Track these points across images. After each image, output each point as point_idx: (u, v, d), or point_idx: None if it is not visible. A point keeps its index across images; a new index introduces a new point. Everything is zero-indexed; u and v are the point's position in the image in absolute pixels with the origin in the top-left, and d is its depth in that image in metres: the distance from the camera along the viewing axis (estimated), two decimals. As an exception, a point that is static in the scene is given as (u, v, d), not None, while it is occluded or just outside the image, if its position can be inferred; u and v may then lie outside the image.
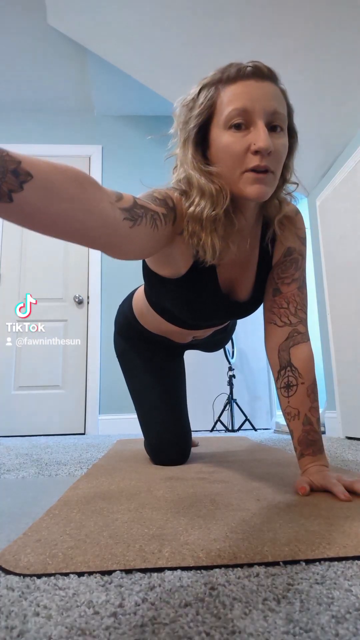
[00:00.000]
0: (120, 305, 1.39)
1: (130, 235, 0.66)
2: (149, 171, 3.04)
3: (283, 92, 0.78)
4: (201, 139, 0.79)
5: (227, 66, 0.76)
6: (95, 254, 3.16)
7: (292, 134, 0.81)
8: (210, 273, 0.89)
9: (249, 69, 0.74)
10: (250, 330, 3.05)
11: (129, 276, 2.85)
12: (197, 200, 0.78)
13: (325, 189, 2.45)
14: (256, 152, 0.72)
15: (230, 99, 0.74)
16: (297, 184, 0.88)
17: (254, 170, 0.74)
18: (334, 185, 2.35)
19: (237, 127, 0.74)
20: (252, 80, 0.74)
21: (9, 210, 0.49)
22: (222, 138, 0.76)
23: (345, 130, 2.23)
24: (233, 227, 0.82)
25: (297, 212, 0.94)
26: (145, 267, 0.96)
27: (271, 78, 0.76)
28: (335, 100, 2.14)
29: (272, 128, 0.75)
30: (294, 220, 0.92)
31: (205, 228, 0.78)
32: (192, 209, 0.78)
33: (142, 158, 3.28)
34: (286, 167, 0.82)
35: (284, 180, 0.84)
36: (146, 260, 0.94)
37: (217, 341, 1.50)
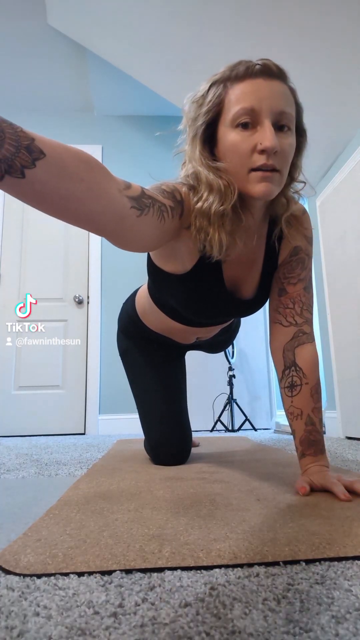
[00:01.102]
0: (124, 304, 1.39)
1: (136, 224, 0.66)
2: (149, 171, 3.04)
3: (292, 91, 0.78)
4: (209, 136, 0.80)
5: (236, 64, 0.76)
6: (96, 254, 3.16)
7: (300, 132, 0.81)
8: (215, 270, 0.89)
9: (257, 67, 0.74)
10: (250, 330, 3.05)
11: (129, 276, 2.86)
12: (205, 195, 0.78)
13: (325, 189, 2.45)
14: (262, 152, 0.72)
15: (238, 98, 0.74)
16: (305, 183, 0.87)
17: (260, 169, 0.74)
18: (334, 185, 2.35)
19: (244, 126, 0.74)
20: (261, 79, 0.74)
21: (20, 187, 0.50)
22: (229, 136, 0.76)
23: (345, 130, 2.23)
24: (240, 222, 0.82)
25: (304, 212, 0.94)
26: (150, 263, 0.96)
27: (280, 77, 0.75)
28: (335, 101, 2.14)
29: (279, 127, 0.74)
30: (300, 220, 0.92)
31: (212, 223, 0.78)
32: (200, 204, 0.78)
33: (142, 158, 3.28)
34: (294, 166, 0.82)
35: (291, 178, 0.83)
36: (151, 255, 0.94)
37: (221, 342, 1.50)
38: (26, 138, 0.49)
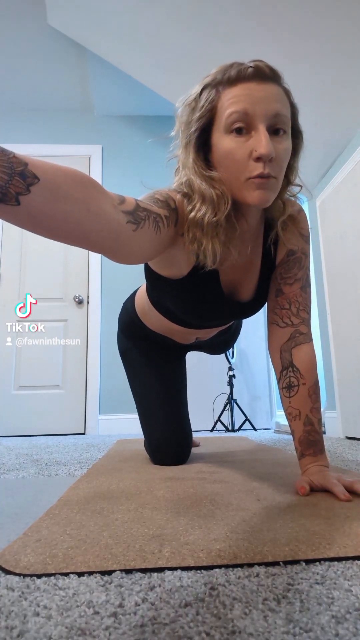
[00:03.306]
0: (124, 303, 1.39)
1: (133, 238, 0.65)
2: (149, 171, 3.04)
3: (286, 92, 0.76)
4: (203, 143, 0.78)
5: (228, 66, 0.74)
6: (96, 254, 3.15)
7: (296, 134, 0.79)
8: (212, 274, 0.88)
9: (249, 70, 0.72)
10: (250, 330, 3.05)
11: (129, 276, 2.86)
12: (198, 205, 0.77)
13: (325, 189, 2.45)
14: (258, 159, 0.71)
15: (231, 103, 0.72)
16: (301, 186, 0.86)
17: (257, 177, 0.72)
18: (334, 185, 2.35)
19: (238, 131, 0.72)
20: (253, 82, 0.72)
21: (16, 214, 0.49)
22: (224, 143, 0.74)
23: (345, 130, 2.23)
24: (235, 232, 0.81)
25: (300, 210, 0.93)
26: (147, 267, 0.96)
27: (273, 78, 0.73)
28: (335, 101, 2.14)
29: (274, 131, 0.73)
30: (296, 219, 0.91)
31: (206, 234, 0.77)
32: (193, 214, 0.77)
33: (142, 158, 3.28)
34: (291, 169, 0.81)
35: (288, 181, 0.82)
36: None
37: (222, 343, 1.49)
38: (19, 164, 0.47)
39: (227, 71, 0.74)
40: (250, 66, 0.73)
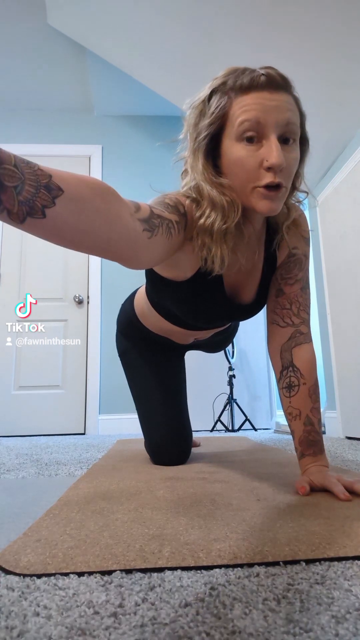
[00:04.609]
0: (122, 304, 1.39)
1: (148, 245, 0.66)
2: (149, 171, 3.04)
3: (296, 100, 0.76)
4: (212, 149, 0.78)
5: (240, 72, 0.74)
6: (95, 254, 3.15)
7: (303, 141, 0.79)
8: (215, 277, 0.88)
9: (262, 78, 0.71)
10: (250, 330, 3.05)
11: (129, 276, 2.85)
12: (207, 211, 0.77)
13: (325, 189, 2.45)
14: (269, 169, 0.71)
15: (243, 111, 0.72)
16: (307, 193, 0.87)
17: (267, 186, 0.72)
18: (334, 185, 2.35)
19: (249, 140, 0.72)
20: (266, 91, 0.71)
21: (42, 226, 0.49)
22: (234, 150, 0.74)
23: (345, 130, 2.23)
24: (243, 238, 0.82)
25: (302, 214, 0.94)
26: (149, 269, 0.96)
27: (285, 87, 0.73)
28: (335, 101, 2.14)
29: (284, 140, 0.73)
30: (298, 222, 0.92)
31: (215, 240, 0.78)
32: (202, 220, 0.77)
33: (142, 158, 3.28)
34: (297, 175, 0.81)
35: (293, 187, 0.82)
36: None
37: (219, 342, 1.50)
38: (44, 176, 0.47)
39: (239, 78, 0.73)
40: (263, 74, 0.72)
